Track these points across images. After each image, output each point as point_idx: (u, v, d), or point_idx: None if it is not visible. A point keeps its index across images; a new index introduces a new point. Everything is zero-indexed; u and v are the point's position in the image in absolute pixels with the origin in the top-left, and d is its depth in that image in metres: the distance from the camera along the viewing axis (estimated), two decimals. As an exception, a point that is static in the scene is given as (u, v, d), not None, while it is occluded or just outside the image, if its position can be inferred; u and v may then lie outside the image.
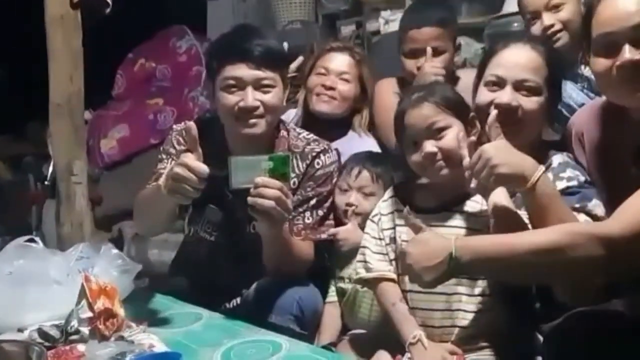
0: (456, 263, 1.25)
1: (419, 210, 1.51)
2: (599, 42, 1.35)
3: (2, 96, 5.12)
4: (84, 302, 1.26)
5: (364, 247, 1.62)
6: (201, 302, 1.70)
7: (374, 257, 1.60)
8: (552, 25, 1.95)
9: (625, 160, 1.39)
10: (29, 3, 2.72)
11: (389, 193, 1.65)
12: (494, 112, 1.42)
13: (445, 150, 1.49)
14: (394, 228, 1.58)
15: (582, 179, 1.47)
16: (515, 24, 2.78)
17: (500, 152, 1.33)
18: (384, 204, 1.64)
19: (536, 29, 1.99)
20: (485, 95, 1.54)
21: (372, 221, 1.64)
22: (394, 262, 1.58)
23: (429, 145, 1.49)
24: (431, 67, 2.01)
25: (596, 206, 1.42)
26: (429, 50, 2.03)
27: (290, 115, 2.26)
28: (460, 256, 1.25)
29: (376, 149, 1.99)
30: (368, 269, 1.60)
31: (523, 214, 1.39)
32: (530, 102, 1.50)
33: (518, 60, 1.52)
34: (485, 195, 1.41)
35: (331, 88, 2.10)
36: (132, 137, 3.78)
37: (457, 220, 1.51)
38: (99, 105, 4.01)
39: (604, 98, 1.53)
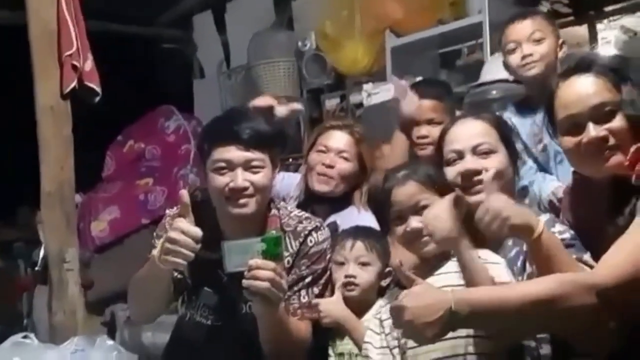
0: (456, 317, 1.26)
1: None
2: (565, 123, 1.47)
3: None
4: (81, 400, 1.24)
5: (367, 342, 1.64)
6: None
7: (375, 353, 1.61)
8: (530, 55, 2.14)
9: (601, 222, 1.46)
10: (18, 91, 2.79)
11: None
12: (489, 173, 1.51)
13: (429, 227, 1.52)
14: None
15: (572, 232, 1.53)
16: (494, 92, 2.88)
17: (507, 204, 1.40)
18: (383, 299, 1.67)
19: (514, 58, 2.19)
20: (450, 171, 1.64)
21: (375, 318, 1.67)
22: (394, 351, 1.58)
23: (414, 222, 1.55)
24: None
25: (590, 259, 1.46)
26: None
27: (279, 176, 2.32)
28: (459, 310, 1.26)
29: (374, 224, 2.01)
30: None
31: None
32: (491, 161, 1.60)
33: (467, 131, 1.66)
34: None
35: (330, 166, 2.14)
36: (123, 218, 3.79)
37: (446, 280, 1.52)
38: (88, 188, 4.04)
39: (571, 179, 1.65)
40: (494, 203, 1.39)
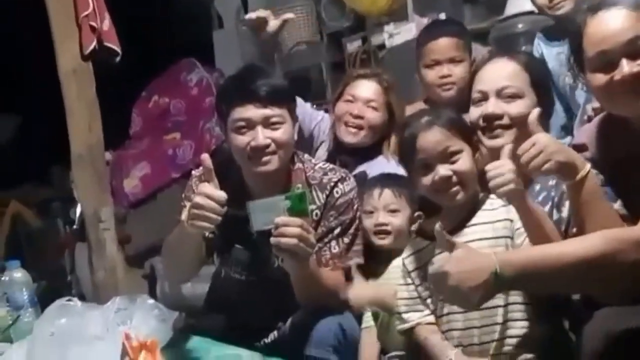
0: (501, 280, 1.25)
1: (434, 237, 1.48)
2: (595, 60, 1.39)
3: (21, 143, 5.24)
4: (126, 359, 1.29)
5: (398, 298, 1.63)
6: (238, 339, 1.71)
7: (406, 305, 1.60)
8: None
9: (632, 169, 1.40)
10: (42, 54, 2.80)
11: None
12: (535, 111, 1.44)
13: (460, 174, 1.50)
14: (422, 267, 1.58)
15: (602, 178, 1.47)
16: (520, 25, 2.80)
17: (554, 141, 1.36)
18: (406, 247, 1.65)
19: None
20: (474, 112, 1.60)
21: (398, 269, 1.65)
22: (428, 301, 1.58)
23: (443, 170, 1.50)
24: None
25: (621, 207, 1.42)
26: None
27: (319, 117, 2.32)
28: (504, 272, 1.25)
29: (403, 173, 2.01)
30: (401, 320, 1.61)
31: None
32: (515, 107, 1.55)
33: (496, 71, 1.61)
34: (514, 194, 1.40)
35: (358, 117, 2.12)
36: (153, 174, 3.85)
37: (475, 234, 1.51)
38: (117, 146, 4.09)
39: (599, 116, 1.57)
40: (542, 137, 1.34)
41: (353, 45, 3.68)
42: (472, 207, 1.54)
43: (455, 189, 1.50)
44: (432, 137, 1.52)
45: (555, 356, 1.47)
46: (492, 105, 1.57)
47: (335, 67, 3.88)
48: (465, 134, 1.55)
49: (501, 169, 1.38)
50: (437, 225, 1.38)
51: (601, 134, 1.54)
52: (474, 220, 1.53)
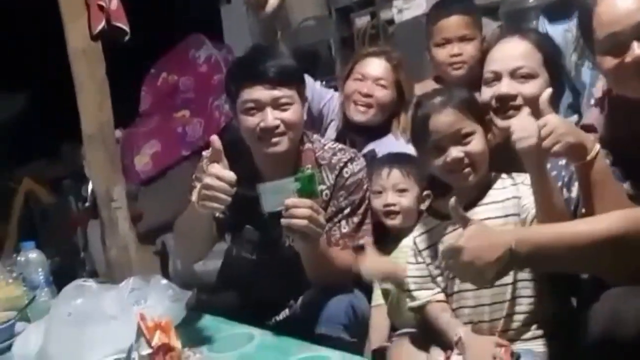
0: (516, 257, 1.25)
1: (445, 217, 1.53)
2: (606, 42, 1.37)
3: (31, 120, 5.26)
4: (142, 339, 1.32)
5: (408, 276, 1.64)
6: (250, 316, 1.74)
7: (416, 283, 1.62)
8: None
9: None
10: (51, 30, 2.79)
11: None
12: (547, 92, 1.42)
13: (472, 155, 1.50)
14: (432, 246, 1.59)
15: (610, 158, 1.47)
16: (530, 0, 2.77)
17: (565, 123, 1.35)
18: (417, 226, 1.66)
19: None
20: (486, 92, 1.59)
21: (409, 247, 1.66)
22: (438, 279, 1.59)
23: (455, 151, 1.50)
24: None
25: (630, 188, 1.42)
26: None
27: (328, 96, 2.31)
28: (520, 249, 1.25)
29: (412, 151, 2.01)
30: (412, 298, 1.62)
31: None
32: (528, 87, 1.54)
33: (508, 51, 1.59)
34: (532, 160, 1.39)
35: (368, 95, 2.12)
36: (164, 152, 3.86)
37: (486, 213, 1.52)
38: (127, 123, 4.10)
39: (608, 97, 1.55)
40: (552, 119, 1.33)
41: (362, 21, 3.66)
42: (484, 186, 1.55)
43: (467, 170, 1.51)
44: (445, 119, 1.51)
45: (563, 333, 1.49)
46: (506, 86, 1.55)
47: (343, 42, 3.86)
48: (478, 114, 1.54)
49: (525, 123, 1.37)
50: (452, 200, 1.37)
51: (610, 114, 1.53)
52: (485, 200, 1.54)
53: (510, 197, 1.51)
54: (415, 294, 1.62)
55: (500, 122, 1.55)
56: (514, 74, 1.56)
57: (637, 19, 1.33)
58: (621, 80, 1.40)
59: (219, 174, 1.56)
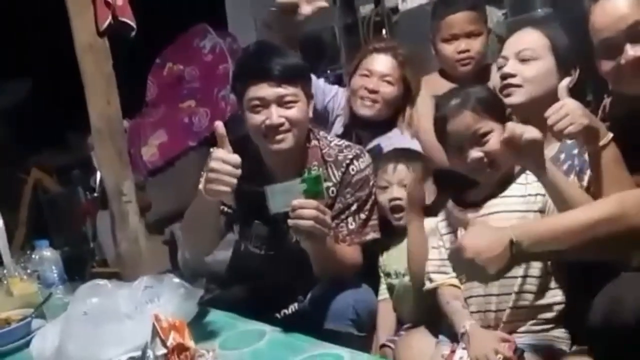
0: (518, 249, 1.29)
1: (467, 205, 1.58)
2: (601, 47, 1.45)
3: (37, 109, 5.26)
4: (157, 339, 1.36)
5: (429, 258, 1.68)
6: (259, 310, 1.77)
7: (434, 266, 1.65)
8: None
9: None
10: (58, 19, 2.79)
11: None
12: (566, 80, 1.51)
13: (491, 154, 1.53)
14: (453, 232, 1.61)
15: None
16: (537, -15, 2.76)
17: (581, 107, 1.40)
18: (441, 214, 1.69)
19: None
20: (496, 77, 1.68)
21: (432, 230, 1.69)
22: None
23: (474, 152, 1.54)
24: None
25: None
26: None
27: (332, 92, 2.33)
28: (521, 242, 1.29)
29: (417, 146, 2.03)
30: (430, 280, 1.66)
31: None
32: (529, 68, 1.62)
33: (517, 38, 1.69)
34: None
35: (374, 91, 2.13)
36: (170, 142, 3.89)
37: (506, 205, 1.55)
38: (134, 113, 4.12)
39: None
40: (569, 102, 1.39)
41: (366, 9, 3.65)
42: (507, 179, 1.58)
43: (487, 168, 1.55)
44: (462, 122, 1.55)
45: (569, 326, 1.53)
46: (509, 66, 1.63)
47: (348, 30, 3.85)
48: (495, 111, 1.57)
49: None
50: (449, 204, 1.43)
51: (612, 113, 1.58)
52: (506, 192, 1.57)
53: (534, 193, 1.53)
54: (431, 276, 1.66)
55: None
56: (518, 55, 1.64)
57: (627, 23, 1.39)
58: (620, 81, 1.46)
59: (224, 157, 1.57)
